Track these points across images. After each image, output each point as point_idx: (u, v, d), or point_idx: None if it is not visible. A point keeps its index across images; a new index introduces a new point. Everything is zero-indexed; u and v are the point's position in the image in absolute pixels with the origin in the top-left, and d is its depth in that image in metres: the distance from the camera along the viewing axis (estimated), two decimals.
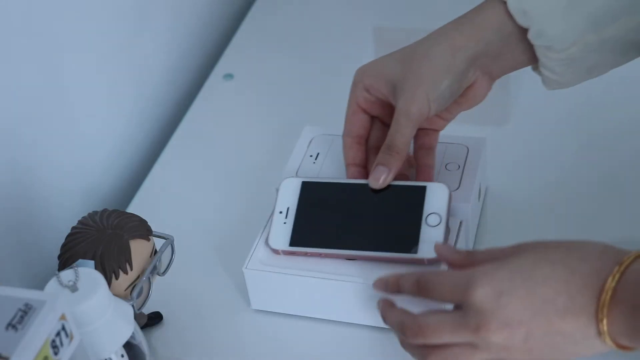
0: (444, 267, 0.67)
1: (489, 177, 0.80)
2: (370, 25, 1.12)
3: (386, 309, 0.64)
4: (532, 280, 0.56)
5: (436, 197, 0.69)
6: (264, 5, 1.16)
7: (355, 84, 0.74)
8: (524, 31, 0.67)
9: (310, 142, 0.80)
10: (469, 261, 0.62)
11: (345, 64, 1.04)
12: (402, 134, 0.69)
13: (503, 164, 0.83)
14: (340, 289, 0.69)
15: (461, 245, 0.72)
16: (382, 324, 0.68)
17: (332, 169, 0.77)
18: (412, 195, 0.70)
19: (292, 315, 0.73)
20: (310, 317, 0.72)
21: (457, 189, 0.73)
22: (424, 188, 0.70)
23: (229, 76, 1.04)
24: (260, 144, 0.93)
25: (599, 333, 0.55)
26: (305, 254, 0.70)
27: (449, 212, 0.69)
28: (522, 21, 0.66)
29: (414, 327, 0.60)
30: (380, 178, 0.70)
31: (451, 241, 0.70)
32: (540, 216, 0.79)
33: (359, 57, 1.05)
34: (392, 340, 0.69)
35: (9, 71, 0.74)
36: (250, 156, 0.92)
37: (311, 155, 0.79)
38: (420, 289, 0.62)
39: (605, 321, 0.54)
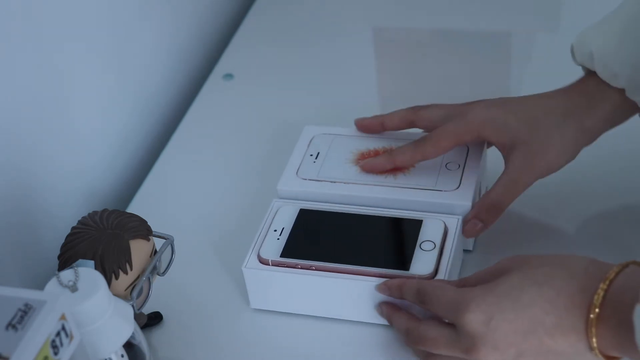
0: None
1: (489, 177, 0.80)
2: (370, 25, 1.12)
3: (392, 312, 0.68)
4: (520, 303, 0.59)
5: (432, 229, 0.72)
6: (264, 5, 1.16)
7: (468, 129, 0.73)
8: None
9: (311, 141, 0.81)
10: (460, 284, 0.65)
11: (345, 64, 1.04)
12: (509, 198, 0.71)
13: (503, 164, 0.83)
14: (339, 287, 0.69)
15: (461, 243, 0.73)
16: (381, 321, 0.70)
17: (332, 168, 0.77)
18: (409, 226, 0.72)
19: (291, 313, 0.73)
20: (309, 316, 0.72)
21: (457, 188, 0.74)
22: (420, 221, 0.72)
23: (229, 76, 1.04)
24: (260, 144, 0.93)
25: (590, 348, 0.57)
26: (296, 266, 0.70)
27: (444, 242, 0.71)
28: (614, 82, 0.69)
29: (416, 335, 0.65)
30: (475, 232, 0.71)
31: (446, 256, 0.70)
32: (538, 216, 0.79)
33: (359, 57, 1.06)
34: (391, 337, 0.70)
35: (9, 71, 0.74)
36: (250, 156, 0.92)
37: (311, 155, 0.79)
38: (420, 299, 0.65)
39: (594, 339, 0.56)
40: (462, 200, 0.72)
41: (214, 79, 1.04)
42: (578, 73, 0.75)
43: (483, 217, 0.71)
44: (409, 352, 0.68)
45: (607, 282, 0.56)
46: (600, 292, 0.56)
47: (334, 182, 0.76)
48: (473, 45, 1.05)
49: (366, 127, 0.80)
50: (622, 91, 0.70)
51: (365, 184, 0.75)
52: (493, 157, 0.80)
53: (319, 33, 1.10)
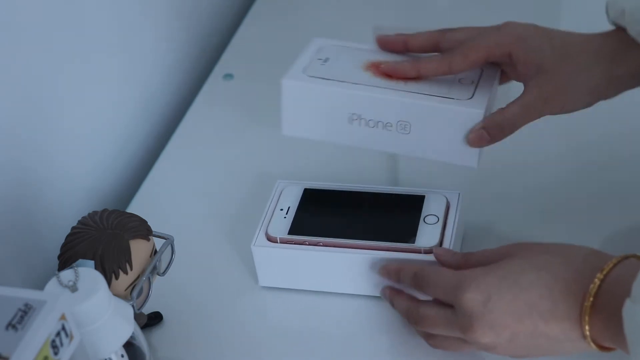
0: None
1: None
2: (370, 25, 1.12)
3: (393, 295, 0.69)
4: (518, 286, 0.59)
5: (434, 203, 0.72)
6: (264, 5, 1.16)
7: (499, 43, 0.71)
8: None
9: (319, 49, 0.77)
10: (464, 262, 0.66)
11: None
12: (523, 120, 0.69)
13: (501, 164, 0.83)
14: (347, 261, 0.71)
15: (463, 217, 0.74)
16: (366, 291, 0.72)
17: (341, 70, 0.73)
18: (412, 201, 0.73)
19: (298, 291, 0.74)
20: (316, 292, 0.74)
21: (471, 98, 0.70)
22: (422, 197, 0.73)
23: (229, 76, 1.04)
24: (260, 144, 0.93)
25: (583, 336, 0.57)
26: (304, 243, 0.72)
27: (447, 216, 0.72)
28: None
29: (415, 316, 0.66)
30: (481, 143, 0.69)
31: (449, 233, 0.71)
32: (536, 212, 0.79)
33: None
34: (391, 310, 0.71)
35: (9, 71, 0.74)
36: (250, 156, 0.92)
37: (319, 59, 0.75)
38: (417, 283, 0.66)
39: (587, 327, 0.56)
40: (476, 107, 0.69)
41: (214, 79, 1.04)
42: None
43: (492, 131, 0.69)
44: (411, 329, 0.69)
45: (604, 273, 0.56)
46: (596, 282, 0.56)
47: (343, 81, 0.72)
48: None
49: (388, 43, 0.76)
50: None
51: (375, 85, 0.71)
52: (493, 156, 0.80)
53: (319, 33, 1.10)
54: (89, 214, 0.67)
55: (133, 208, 0.87)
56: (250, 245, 0.73)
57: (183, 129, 0.97)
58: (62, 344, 0.51)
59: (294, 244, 0.72)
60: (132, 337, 0.61)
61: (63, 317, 0.51)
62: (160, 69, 1.01)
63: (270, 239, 0.73)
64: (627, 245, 0.74)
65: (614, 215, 0.78)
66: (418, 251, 0.70)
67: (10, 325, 0.49)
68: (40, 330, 0.49)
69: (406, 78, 0.72)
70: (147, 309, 0.70)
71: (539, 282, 0.59)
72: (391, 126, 0.70)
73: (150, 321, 0.73)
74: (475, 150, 0.70)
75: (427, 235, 0.70)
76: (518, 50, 0.70)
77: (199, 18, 1.10)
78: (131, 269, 0.64)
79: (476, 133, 0.69)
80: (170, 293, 0.74)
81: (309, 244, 0.72)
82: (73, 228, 0.66)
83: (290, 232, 0.73)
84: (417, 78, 0.72)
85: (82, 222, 0.66)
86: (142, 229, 0.66)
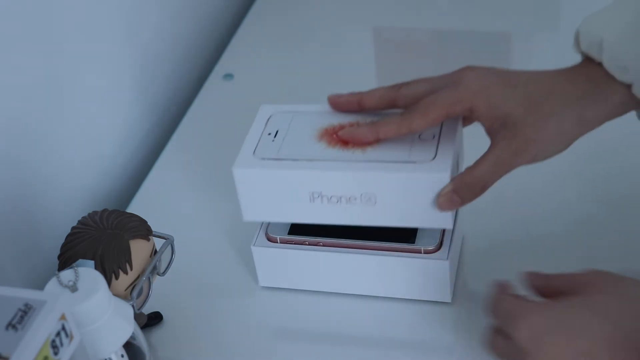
0: (442, 260, 0.69)
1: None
2: (370, 25, 1.12)
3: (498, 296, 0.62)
4: (575, 330, 0.56)
5: None
6: (264, 5, 1.16)
7: (459, 100, 0.66)
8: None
9: (269, 119, 0.73)
10: (545, 285, 0.61)
11: (345, 63, 1.04)
12: (494, 178, 0.65)
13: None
14: (347, 261, 0.71)
15: (459, 222, 0.73)
16: (389, 294, 0.72)
17: (293, 145, 0.69)
18: None
19: (300, 294, 0.74)
20: (317, 292, 0.74)
21: (434, 158, 0.66)
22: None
23: (229, 76, 1.04)
24: None
25: None
26: (304, 243, 0.72)
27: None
28: (622, 77, 0.64)
29: (487, 337, 0.61)
30: (451, 207, 0.65)
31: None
32: (534, 216, 0.79)
33: (359, 57, 1.06)
34: (397, 311, 0.72)
35: (8, 71, 0.74)
36: None
37: (269, 133, 0.71)
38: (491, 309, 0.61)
39: None
40: (440, 171, 0.65)
41: (214, 79, 1.04)
42: None
43: (462, 193, 0.65)
44: (415, 329, 0.70)
45: None
46: None
47: (296, 159, 0.68)
48: (473, 45, 1.05)
49: (341, 105, 0.71)
50: (629, 85, 0.64)
51: (331, 159, 0.67)
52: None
53: (319, 33, 1.10)
54: (89, 214, 0.67)
55: (133, 208, 0.87)
56: (250, 246, 0.73)
57: (183, 129, 0.97)
58: (62, 344, 0.51)
59: (294, 244, 0.72)
60: (132, 337, 0.61)
61: (63, 317, 0.51)
62: (160, 69, 1.01)
63: (270, 239, 0.73)
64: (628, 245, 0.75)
65: (617, 217, 0.78)
66: (418, 251, 0.70)
67: (10, 325, 0.49)
68: (40, 330, 0.49)
69: (365, 144, 0.68)
70: (147, 309, 0.70)
71: (598, 330, 0.55)
72: (355, 199, 0.67)
73: (150, 321, 0.73)
74: (448, 212, 0.66)
75: (427, 236, 0.70)
76: (479, 106, 0.65)
77: (199, 18, 1.10)
78: (131, 269, 0.64)
79: (446, 197, 0.65)
80: (170, 293, 0.74)
81: (309, 244, 0.72)
82: (73, 228, 0.66)
83: (290, 232, 0.73)
84: (376, 142, 0.68)
85: (82, 222, 0.66)
86: (142, 229, 0.66)
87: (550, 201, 0.80)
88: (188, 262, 0.75)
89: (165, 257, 0.68)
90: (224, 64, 1.06)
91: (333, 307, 0.73)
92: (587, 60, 0.66)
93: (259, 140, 0.70)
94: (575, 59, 0.68)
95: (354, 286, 0.73)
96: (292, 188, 0.68)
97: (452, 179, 0.65)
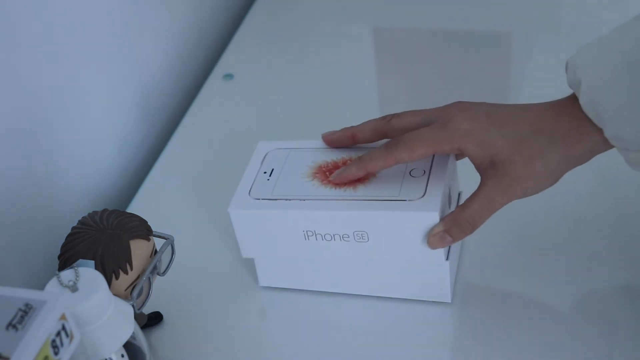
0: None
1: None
2: (370, 25, 1.12)
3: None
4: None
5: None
6: (264, 5, 1.16)
7: (447, 140, 0.67)
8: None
9: (265, 157, 0.75)
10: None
11: (345, 63, 1.05)
12: (484, 216, 0.67)
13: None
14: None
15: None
16: (385, 294, 0.72)
17: (287, 184, 0.71)
18: None
19: (300, 294, 0.74)
20: (319, 292, 0.74)
21: (423, 196, 0.68)
22: None
23: (229, 76, 1.04)
24: None
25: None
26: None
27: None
28: (596, 121, 0.65)
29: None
30: (442, 245, 0.67)
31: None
32: (535, 220, 0.79)
33: (359, 57, 1.06)
34: (391, 311, 0.72)
35: (8, 73, 0.74)
36: (250, 156, 0.91)
37: (265, 172, 0.73)
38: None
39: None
40: (428, 209, 0.66)
41: (214, 79, 1.04)
42: None
43: (453, 232, 0.66)
44: (414, 329, 0.70)
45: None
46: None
47: (289, 199, 0.70)
48: (473, 45, 1.06)
49: (335, 141, 0.74)
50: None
51: (323, 198, 0.69)
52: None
53: (319, 33, 1.10)
54: (89, 214, 0.67)
55: (133, 208, 0.87)
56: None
57: (183, 129, 0.97)
58: (62, 344, 0.51)
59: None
60: (132, 337, 0.61)
61: (63, 317, 0.51)
62: (160, 69, 1.01)
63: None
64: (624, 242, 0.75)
65: (617, 218, 0.78)
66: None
67: (11, 325, 0.49)
68: (40, 330, 0.49)
69: (355, 181, 0.70)
70: (147, 309, 0.70)
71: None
72: (348, 237, 0.69)
73: (150, 321, 0.73)
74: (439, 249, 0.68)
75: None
76: (468, 146, 0.67)
77: (199, 18, 1.10)
78: (131, 269, 0.64)
79: (437, 236, 0.67)
80: (170, 293, 0.74)
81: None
82: (73, 228, 0.66)
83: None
84: (366, 177, 0.70)
85: (82, 222, 0.66)
86: (142, 229, 0.66)
87: (550, 202, 0.80)
88: (188, 262, 0.75)
89: (165, 257, 0.68)
90: (224, 64, 1.06)
91: (333, 307, 0.74)
92: (574, 94, 0.68)
93: (254, 180, 0.73)
94: None
95: (355, 286, 0.73)
96: (286, 227, 0.70)
97: (443, 218, 0.67)
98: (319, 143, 0.75)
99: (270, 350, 0.71)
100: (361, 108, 0.96)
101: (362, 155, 0.70)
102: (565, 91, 0.72)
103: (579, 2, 1.08)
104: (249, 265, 0.77)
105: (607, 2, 1.07)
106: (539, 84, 0.96)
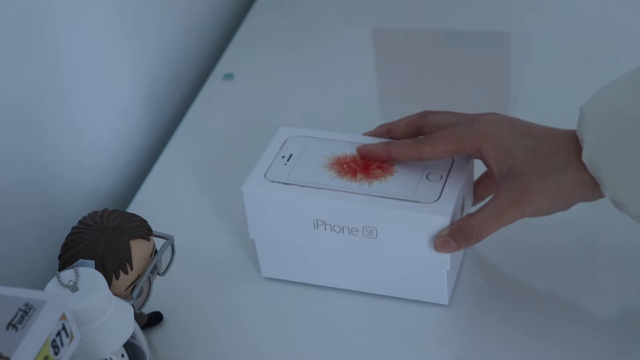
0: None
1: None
2: (370, 25, 1.12)
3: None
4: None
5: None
6: (264, 5, 1.16)
7: (471, 138, 0.68)
8: None
9: (284, 143, 0.75)
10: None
11: (345, 64, 1.05)
12: (491, 228, 0.66)
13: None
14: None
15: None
16: (384, 293, 0.72)
17: (304, 171, 0.71)
18: None
19: (302, 292, 0.74)
20: (321, 287, 0.74)
21: (437, 200, 0.68)
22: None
23: (229, 76, 1.04)
24: (260, 144, 0.93)
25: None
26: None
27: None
28: (598, 181, 0.64)
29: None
30: (446, 250, 0.67)
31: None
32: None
33: (359, 57, 1.06)
34: (388, 308, 0.72)
35: (8, 71, 0.74)
36: (250, 156, 0.91)
37: (283, 157, 0.73)
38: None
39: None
40: (440, 214, 0.66)
41: (214, 79, 1.04)
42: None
43: (457, 238, 0.66)
44: (412, 327, 0.70)
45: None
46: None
47: (304, 186, 0.70)
48: (473, 45, 1.06)
49: (372, 152, 0.73)
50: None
51: (338, 189, 0.69)
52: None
53: (319, 33, 1.10)
54: (89, 214, 0.67)
55: (133, 208, 0.87)
56: (250, 239, 0.74)
57: (183, 129, 0.97)
58: (62, 344, 0.51)
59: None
60: (132, 337, 0.61)
61: (63, 317, 0.51)
62: (160, 69, 1.01)
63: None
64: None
65: (617, 219, 0.78)
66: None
67: (11, 325, 0.49)
68: (40, 330, 0.49)
69: (379, 159, 0.71)
70: (147, 309, 0.70)
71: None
72: (357, 231, 0.69)
73: (150, 321, 0.73)
74: (445, 254, 0.68)
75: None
76: (488, 148, 0.67)
77: (199, 18, 1.10)
78: (131, 269, 0.64)
79: (442, 239, 0.66)
80: (170, 293, 0.74)
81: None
82: (73, 228, 0.66)
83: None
84: (389, 160, 0.71)
85: (83, 222, 0.66)
86: (142, 229, 0.66)
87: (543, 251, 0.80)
88: (188, 262, 0.75)
89: (165, 257, 0.68)
90: (224, 64, 1.06)
91: (334, 304, 0.74)
92: None
93: (271, 163, 0.73)
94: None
95: (355, 282, 0.73)
96: (296, 213, 0.70)
97: (451, 223, 0.67)
98: (340, 135, 0.75)
99: (270, 350, 0.71)
100: (361, 108, 0.96)
101: (392, 141, 0.72)
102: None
103: (579, 2, 1.08)
104: (249, 265, 0.77)
105: (607, 2, 1.07)
106: (538, 84, 0.96)
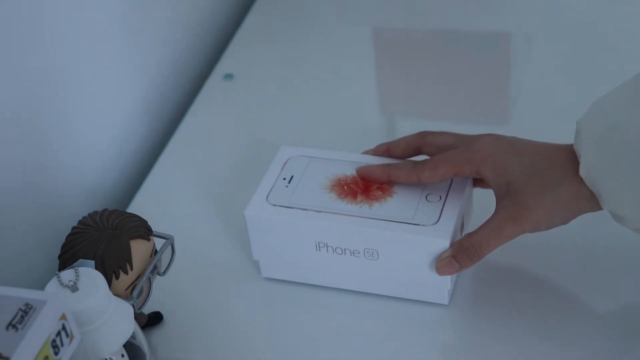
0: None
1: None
2: (370, 25, 1.12)
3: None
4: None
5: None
6: (264, 5, 1.16)
7: (468, 160, 0.69)
8: None
9: (285, 163, 0.76)
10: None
11: (345, 64, 1.05)
12: (492, 245, 0.67)
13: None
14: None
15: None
16: (384, 293, 0.72)
17: (305, 194, 0.73)
18: None
19: (302, 293, 0.74)
20: (320, 287, 0.74)
21: (436, 222, 0.69)
22: None
23: (229, 76, 1.04)
24: (260, 144, 0.93)
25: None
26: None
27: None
28: (596, 195, 0.64)
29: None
30: (449, 272, 0.68)
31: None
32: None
33: (359, 57, 1.06)
34: (388, 308, 0.72)
35: (8, 72, 0.74)
36: (250, 156, 0.92)
37: (284, 178, 0.74)
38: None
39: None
40: (439, 236, 0.67)
41: (214, 79, 1.04)
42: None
43: (460, 258, 0.67)
44: (414, 328, 0.70)
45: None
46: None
47: (306, 209, 0.71)
48: (473, 46, 1.06)
49: (371, 174, 0.74)
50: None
51: (339, 213, 0.70)
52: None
53: (319, 33, 1.10)
54: (89, 214, 0.67)
55: (133, 208, 0.87)
56: (248, 237, 0.74)
57: (183, 129, 0.97)
58: (62, 344, 0.51)
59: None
60: (132, 337, 0.62)
61: (63, 317, 0.51)
62: (160, 69, 1.01)
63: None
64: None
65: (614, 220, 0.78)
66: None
67: (11, 325, 0.49)
68: (40, 330, 0.49)
69: (379, 182, 0.72)
70: (147, 309, 0.70)
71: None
72: (359, 253, 0.70)
73: (150, 321, 0.73)
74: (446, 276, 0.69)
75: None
76: (486, 169, 0.68)
77: (199, 18, 1.10)
78: (131, 269, 0.64)
79: (444, 261, 0.67)
80: (170, 293, 0.74)
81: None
82: (73, 228, 0.66)
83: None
84: (388, 183, 0.72)
85: (83, 222, 0.66)
86: (142, 229, 0.66)
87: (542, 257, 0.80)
88: (188, 262, 0.75)
89: (165, 257, 0.68)
90: (224, 64, 1.06)
91: (334, 304, 0.74)
92: None
93: (273, 185, 0.74)
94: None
95: (355, 283, 0.73)
96: (299, 236, 0.71)
97: (452, 244, 0.68)
98: (340, 155, 0.76)
99: (270, 350, 0.71)
100: (361, 108, 0.96)
101: (392, 163, 0.73)
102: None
103: (579, 3, 1.08)
104: (249, 265, 0.77)
105: (607, 2, 1.07)
106: (538, 85, 0.96)
